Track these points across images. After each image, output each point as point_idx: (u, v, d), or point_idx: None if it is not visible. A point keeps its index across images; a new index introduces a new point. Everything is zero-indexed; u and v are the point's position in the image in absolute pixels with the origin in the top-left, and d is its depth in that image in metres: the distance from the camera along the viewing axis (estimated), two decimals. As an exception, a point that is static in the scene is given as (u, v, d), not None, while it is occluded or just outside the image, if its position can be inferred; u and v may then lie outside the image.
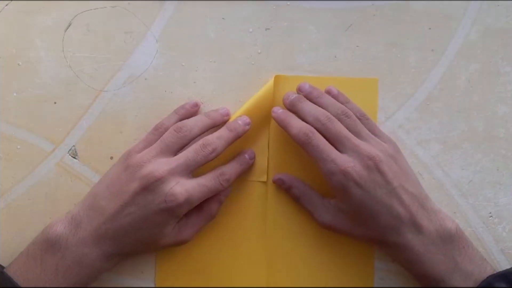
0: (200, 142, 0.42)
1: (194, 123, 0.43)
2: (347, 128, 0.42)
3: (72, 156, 0.46)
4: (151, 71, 0.46)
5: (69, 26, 0.46)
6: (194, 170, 0.41)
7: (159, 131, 0.44)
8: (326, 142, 0.41)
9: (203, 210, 0.44)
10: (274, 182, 0.45)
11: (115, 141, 0.46)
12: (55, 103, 0.46)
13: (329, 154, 0.40)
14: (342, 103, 0.43)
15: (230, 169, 0.43)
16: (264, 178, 0.46)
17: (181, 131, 0.42)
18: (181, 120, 0.44)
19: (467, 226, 0.46)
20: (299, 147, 0.44)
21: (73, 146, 0.46)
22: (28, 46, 0.46)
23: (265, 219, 0.46)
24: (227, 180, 0.42)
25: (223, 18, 0.46)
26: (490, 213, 0.46)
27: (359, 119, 0.43)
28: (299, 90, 0.44)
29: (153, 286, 0.46)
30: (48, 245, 0.40)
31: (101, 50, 0.46)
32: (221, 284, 0.45)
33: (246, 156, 0.45)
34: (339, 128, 0.41)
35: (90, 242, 0.40)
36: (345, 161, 0.40)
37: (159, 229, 0.41)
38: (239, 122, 0.43)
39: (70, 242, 0.40)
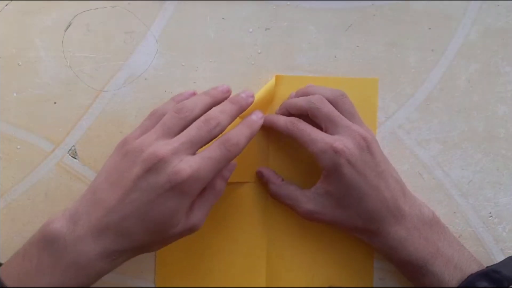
0: (202, 118, 0.39)
1: (194, 103, 0.40)
2: (344, 108, 0.42)
3: (72, 156, 0.46)
4: (151, 71, 0.46)
5: (69, 26, 0.46)
6: (199, 147, 0.38)
7: (155, 116, 0.41)
8: (314, 128, 0.41)
9: (206, 189, 0.40)
10: (256, 174, 0.45)
11: (115, 141, 0.45)
12: (55, 103, 0.46)
13: (319, 134, 0.41)
14: None
15: (237, 133, 0.39)
16: (264, 178, 0.46)
17: (181, 112, 0.39)
18: None
19: (467, 226, 0.46)
20: (299, 148, 0.44)
21: (73, 146, 0.46)
22: (28, 46, 0.46)
23: (265, 220, 0.46)
24: (235, 145, 0.38)
25: (223, 18, 0.46)
26: (490, 213, 0.46)
27: None
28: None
29: (153, 286, 0.46)
30: (45, 244, 0.37)
31: (101, 50, 0.46)
32: (221, 284, 0.45)
33: (254, 117, 0.40)
34: (331, 108, 0.41)
35: (89, 239, 0.37)
36: (336, 139, 0.40)
37: (169, 216, 0.37)
38: (242, 95, 0.41)
39: (68, 241, 0.37)
